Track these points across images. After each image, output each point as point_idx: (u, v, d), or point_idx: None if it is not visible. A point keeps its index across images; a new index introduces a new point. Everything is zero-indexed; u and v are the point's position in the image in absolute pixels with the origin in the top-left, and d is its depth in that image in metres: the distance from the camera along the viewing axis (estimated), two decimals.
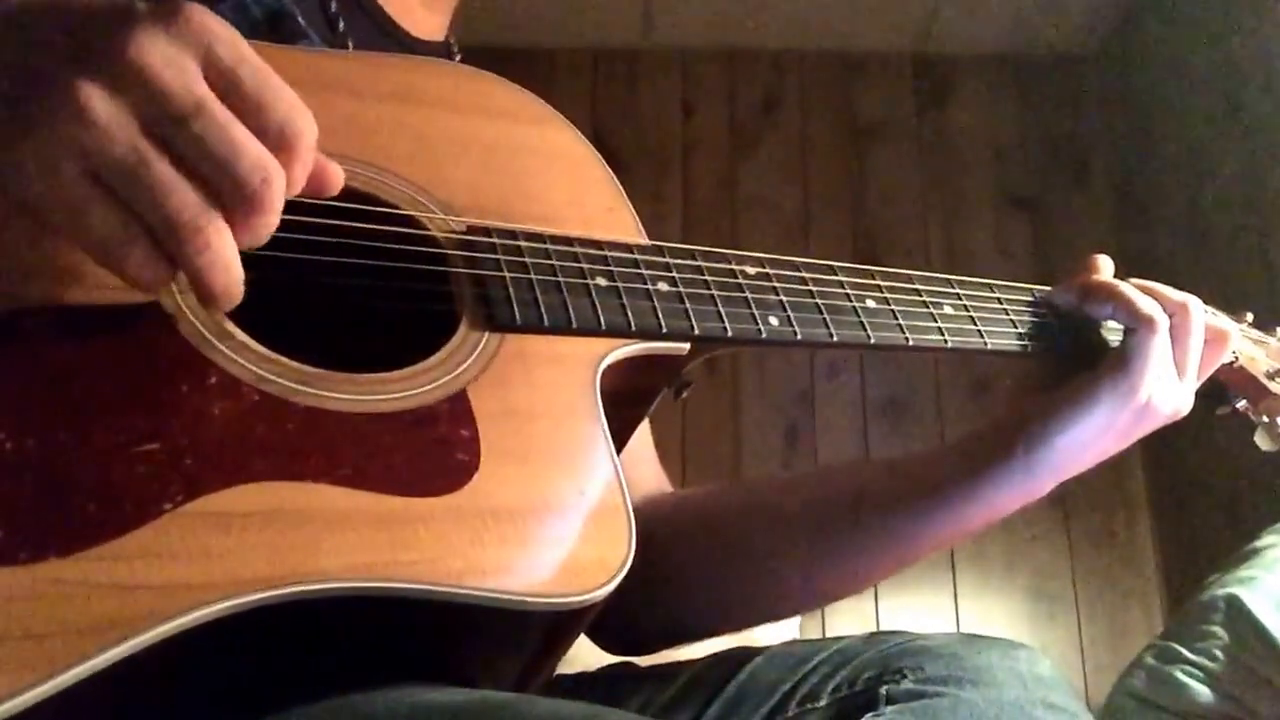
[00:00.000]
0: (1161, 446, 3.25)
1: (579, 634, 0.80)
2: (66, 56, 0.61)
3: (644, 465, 1.23)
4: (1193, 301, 1.04)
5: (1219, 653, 1.58)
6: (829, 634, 2.91)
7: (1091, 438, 1.01)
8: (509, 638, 0.76)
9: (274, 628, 0.66)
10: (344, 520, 0.68)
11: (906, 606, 3.24)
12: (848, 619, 3.13)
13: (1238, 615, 1.59)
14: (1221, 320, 1.14)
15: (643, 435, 1.22)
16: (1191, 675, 1.58)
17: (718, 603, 1.14)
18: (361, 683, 0.71)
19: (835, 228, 3.60)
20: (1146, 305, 1.01)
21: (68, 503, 0.62)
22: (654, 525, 1.09)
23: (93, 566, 0.61)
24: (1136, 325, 1.01)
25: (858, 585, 1.13)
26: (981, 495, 1.03)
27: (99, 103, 0.60)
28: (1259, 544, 1.75)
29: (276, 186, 0.63)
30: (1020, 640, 1.02)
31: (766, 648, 1.08)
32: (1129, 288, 1.04)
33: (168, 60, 0.61)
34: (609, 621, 1.09)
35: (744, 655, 1.07)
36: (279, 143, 0.64)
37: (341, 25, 1.09)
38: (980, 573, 3.29)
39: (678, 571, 1.12)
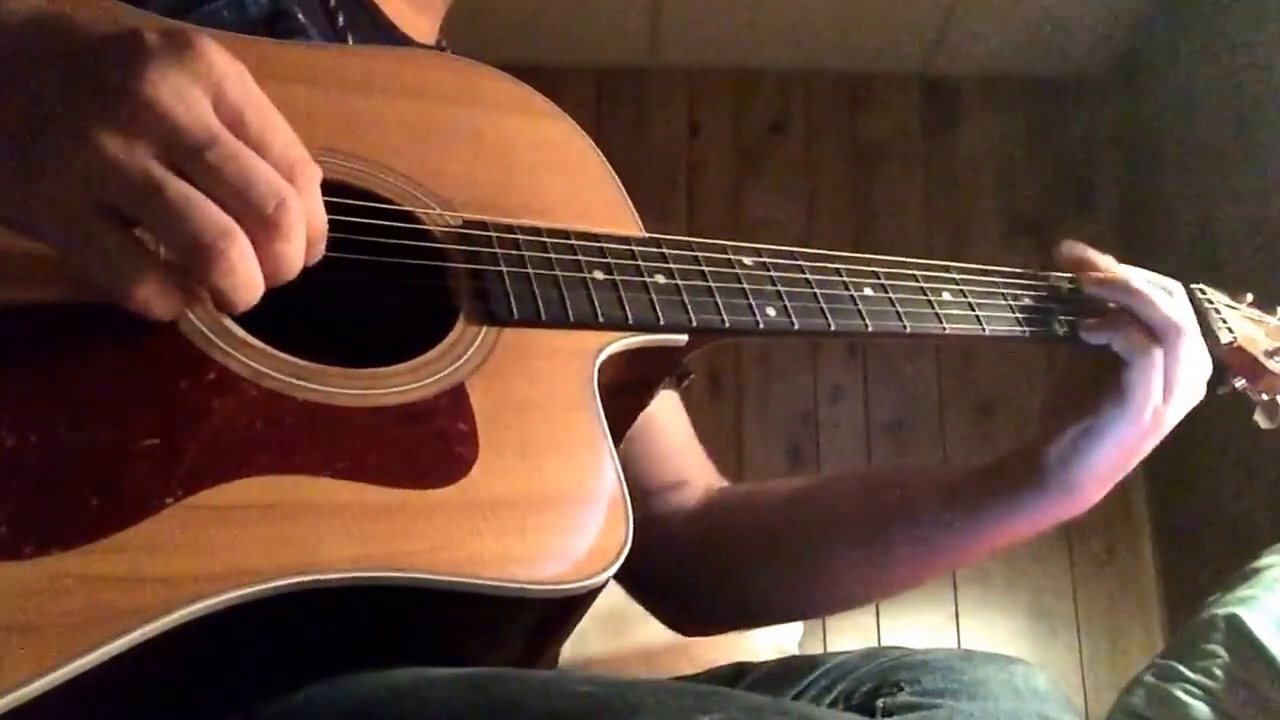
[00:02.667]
0: (1163, 466, 3.25)
1: (577, 622, 0.81)
2: (78, 96, 0.62)
3: (694, 457, 1.27)
4: (1183, 322, 1.04)
5: (1219, 672, 1.57)
6: (829, 650, 2.90)
7: (1106, 462, 1.03)
8: (508, 626, 0.76)
9: (274, 620, 0.66)
10: (344, 512, 0.69)
11: (908, 624, 3.23)
12: (849, 636, 3.12)
13: (1238, 634, 1.58)
14: (1215, 302, 1.16)
15: (686, 430, 1.27)
16: (1191, 694, 1.57)
17: (772, 596, 1.19)
18: (360, 669, 0.72)
19: (840, 249, 3.56)
20: (1139, 337, 1.02)
21: (70, 497, 0.63)
22: (718, 515, 1.19)
23: (96, 560, 0.62)
24: (1133, 359, 1.02)
25: (905, 588, 1.17)
26: (1015, 521, 1.06)
27: (113, 141, 0.61)
28: (1259, 563, 1.74)
29: (294, 210, 0.65)
30: (1020, 658, 1.01)
31: (765, 662, 1.09)
32: (1127, 320, 1.04)
33: (180, 95, 0.62)
34: (671, 598, 1.21)
35: (742, 669, 1.08)
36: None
37: (341, 20, 1.09)
38: (982, 591, 3.28)
39: (738, 562, 1.17)
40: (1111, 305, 1.06)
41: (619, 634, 2.01)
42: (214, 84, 0.63)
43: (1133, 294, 1.04)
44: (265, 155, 0.65)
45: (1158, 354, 1.01)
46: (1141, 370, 1.01)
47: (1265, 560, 1.74)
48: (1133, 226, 3.62)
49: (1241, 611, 1.61)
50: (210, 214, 0.63)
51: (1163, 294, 1.04)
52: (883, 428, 3.46)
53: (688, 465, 1.25)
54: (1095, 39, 3.65)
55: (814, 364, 3.48)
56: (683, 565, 1.20)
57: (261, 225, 0.64)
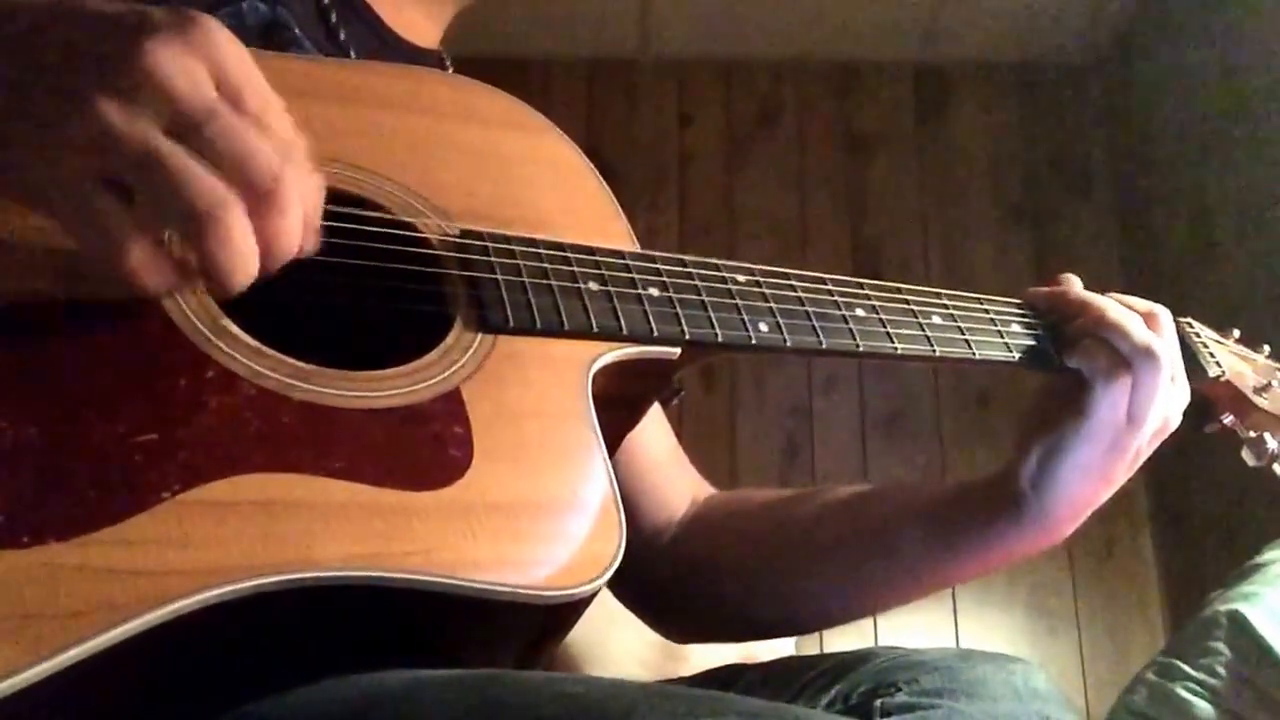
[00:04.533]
0: (1163, 462, 3.23)
1: (570, 628, 0.82)
2: (83, 68, 0.63)
3: (681, 470, 1.28)
4: (1161, 354, 1.02)
5: (1221, 669, 1.57)
6: (826, 650, 2.90)
7: (1079, 486, 1.03)
8: (502, 630, 0.77)
9: (268, 618, 0.67)
10: (339, 512, 0.70)
11: (906, 623, 3.21)
12: (846, 636, 3.08)
13: (1240, 631, 1.58)
14: (1202, 337, 1.16)
15: (672, 442, 1.28)
16: (1194, 692, 1.56)
17: (755, 609, 1.19)
18: (352, 671, 0.73)
19: (833, 240, 3.60)
20: (1106, 361, 1.01)
21: (68, 490, 0.64)
22: (704, 527, 1.20)
23: (91, 551, 0.62)
24: (1095, 381, 1.01)
25: (894, 606, 1.19)
26: (993, 550, 1.07)
27: (114, 109, 0.62)
28: (1262, 559, 1.74)
29: (290, 184, 0.66)
30: (1021, 657, 1.02)
31: (762, 662, 1.09)
32: (1092, 344, 1.02)
33: (182, 69, 0.63)
34: (665, 611, 1.22)
35: (739, 670, 1.08)
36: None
37: (343, 35, 1.10)
38: (980, 589, 3.28)
39: (722, 575, 1.18)
40: (1085, 339, 1.04)
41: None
42: (216, 62, 0.64)
43: (1106, 326, 1.03)
44: (262, 135, 0.66)
45: (1124, 380, 1.00)
46: (1104, 394, 1.00)
47: (1267, 555, 1.74)
48: (1128, 212, 3.63)
49: (1244, 608, 1.60)
50: (207, 183, 0.63)
51: (1136, 323, 1.03)
52: (878, 421, 3.46)
53: (674, 476, 1.25)
54: (1088, 24, 3.66)
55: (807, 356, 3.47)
56: (671, 576, 1.21)
57: (258, 199, 0.65)
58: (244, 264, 0.65)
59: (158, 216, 0.65)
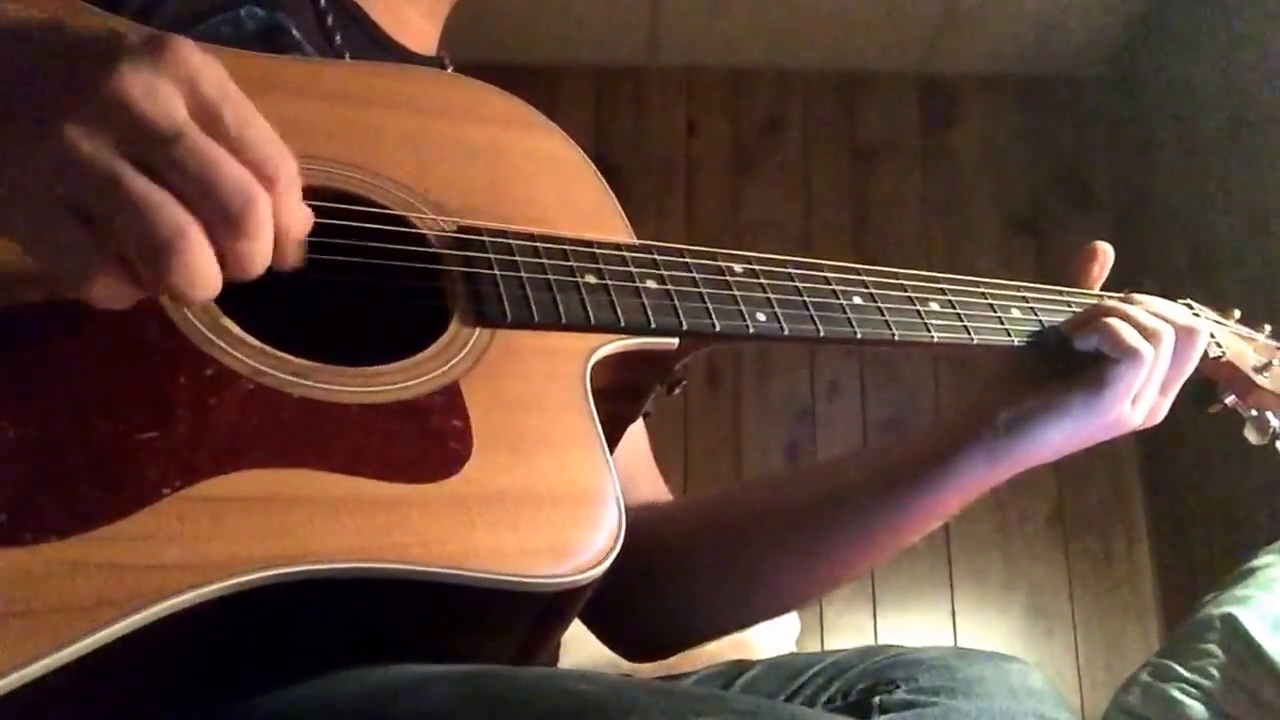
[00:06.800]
0: (1160, 465, 3.26)
1: (571, 619, 0.82)
2: (52, 92, 0.62)
3: (644, 475, 1.25)
4: (1200, 328, 1.05)
5: (1215, 671, 1.57)
6: (825, 648, 2.90)
7: (1055, 442, 1.03)
8: (503, 621, 0.77)
9: (271, 612, 0.68)
10: (339, 505, 0.70)
11: (905, 624, 3.23)
12: (846, 635, 3.13)
13: (1234, 634, 1.59)
14: (1202, 318, 1.16)
15: (642, 447, 1.26)
16: (1187, 693, 1.57)
17: (718, 604, 1.16)
18: (353, 666, 0.73)
19: (837, 248, 3.59)
20: (1131, 338, 1.01)
21: (70, 487, 0.65)
22: (655, 532, 1.13)
23: (93, 548, 0.63)
24: (1120, 357, 1.01)
25: (849, 576, 1.14)
26: (949, 484, 1.05)
27: (79, 135, 0.61)
28: (1255, 563, 1.74)
29: (260, 209, 0.64)
30: (1016, 656, 1.02)
31: (763, 660, 1.10)
32: (1116, 322, 1.03)
33: (149, 91, 0.62)
34: (621, 626, 1.17)
35: (740, 667, 1.09)
36: (259, 178, 0.65)
37: (339, 39, 1.10)
38: (978, 590, 3.28)
39: (679, 576, 1.15)
40: (1103, 318, 1.05)
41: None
42: (188, 82, 0.63)
43: (1134, 304, 1.06)
44: (244, 152, 0.65)
45: (1146, 354, 1.01)
46: (1129, 368, 1.01)
47: (1261, 560, 1.75)
48: (1129, 225, 3.61)
49: (1237, 611, 1.61)
50: (166, 212, 0.62)
51: (1165, 306, 1.06)
52: (880, 425, 3.46)
53: (638, 478, 1.23)
54: (1091, 38, 3.65)
55: (811, 361, 3.48)
56: (622, 585, 1.18)
57: (225, 223, 0.63)
58: (204, 286, 0.64)
59: (118, 241, 0.63)
